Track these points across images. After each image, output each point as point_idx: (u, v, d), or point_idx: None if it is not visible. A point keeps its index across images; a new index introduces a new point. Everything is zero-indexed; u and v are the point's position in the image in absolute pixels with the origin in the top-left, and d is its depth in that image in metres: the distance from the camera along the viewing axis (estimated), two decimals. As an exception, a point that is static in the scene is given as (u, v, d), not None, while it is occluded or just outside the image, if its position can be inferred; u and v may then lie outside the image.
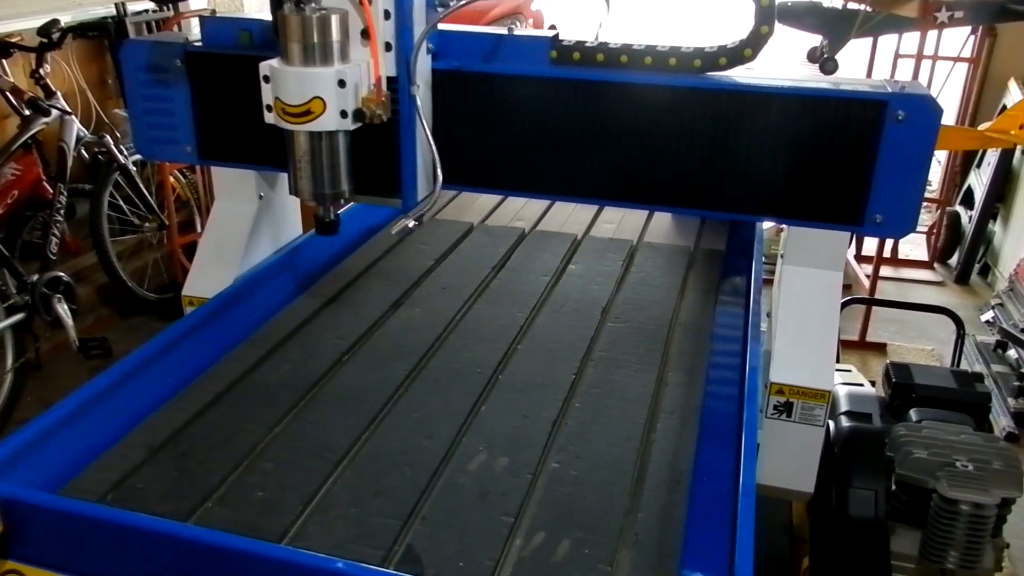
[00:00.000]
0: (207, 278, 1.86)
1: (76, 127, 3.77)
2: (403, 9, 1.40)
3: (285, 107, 1.39)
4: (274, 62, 1.40)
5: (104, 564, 1.13)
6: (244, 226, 1.92)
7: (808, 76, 1.54)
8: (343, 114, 1.40)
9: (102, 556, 1.14)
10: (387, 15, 1.40)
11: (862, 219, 1.51)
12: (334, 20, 1.36)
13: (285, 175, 2.02)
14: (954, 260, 5.32)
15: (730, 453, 1.41)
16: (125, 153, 3.96)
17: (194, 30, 1.77)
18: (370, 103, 1.41)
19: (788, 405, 1.58)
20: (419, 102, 1.47)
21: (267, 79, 1.40)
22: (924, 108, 1.43)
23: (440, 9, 1.49)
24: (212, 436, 1.41)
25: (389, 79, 1.45)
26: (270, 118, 1.44)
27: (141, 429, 1.43)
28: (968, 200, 5.34)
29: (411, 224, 1.49)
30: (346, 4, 1.39)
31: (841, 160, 1.48)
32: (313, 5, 1.34)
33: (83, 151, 3.89)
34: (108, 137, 3.91)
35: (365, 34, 1.41)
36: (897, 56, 4.60)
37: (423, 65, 1.51)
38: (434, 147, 1.48)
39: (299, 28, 1.34)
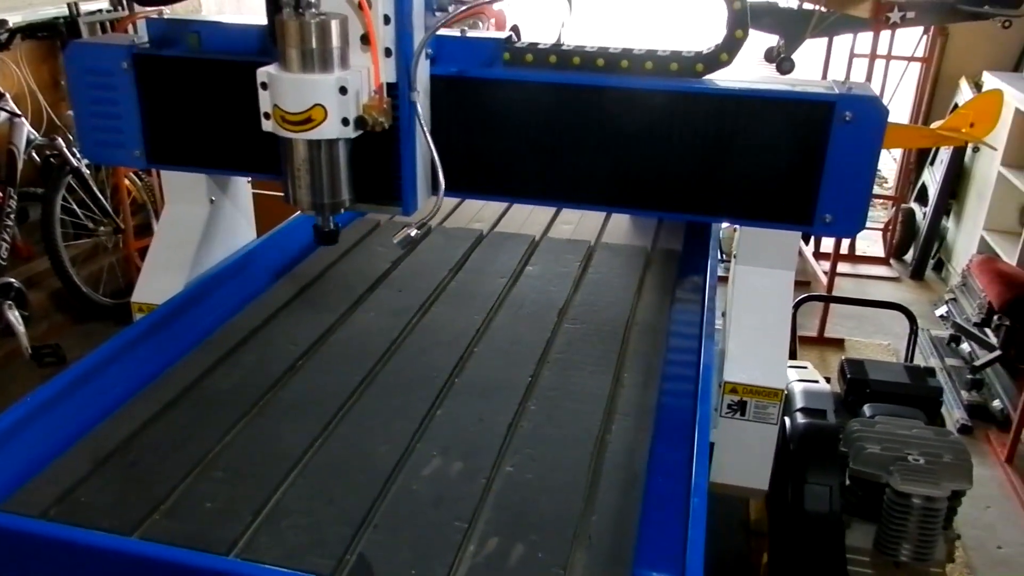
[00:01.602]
0: (157, 284, 1.83)
1: (26, 130, 3.69)
2: (403, 14, 1.37)
3: (284, 115, 1.35)
4: (272, 68, 1.35)
5: (48, 580, 1.11)
6: (195, 230, 1.89)
7: (763, 77, 1.56)
8: (344, 122, 1.36)
9: (46, 573, 1.11)
10: (387, 20, 1.37)
11: (812, 219, 1.53)
12: (334, 25, 1.32)
13: (237, 179, 2.01)
14: (909, 256, 5.43)
15: (684, 452, 1.41)
16: (78, 156, 3.88)
17: (143, 33, 1.73)
18: (372, 110, 1.37)
19: (742, 404, 1.60)
20: (419, 108, 1.44)
21: (264, 86, 1.36)
22: (870, 109, 1.45)
23: (439, 14, 1.46)
24: (161, 446, 1.38)
25: (389, 85, 1.42)
26: (268, 126, 1.39)
27: (87, 440, 1.40)
28: (922, 197, 5.45)
29: (413, 233, 1.46)
30: (345, 9, 1.35)
31: (791, 161, 1.50)
32: (312, 10, 1.30)
33: (34, 154, 3.81)
34: (60, 140, 3.84)
35: (365, 40, 1.37)
36: (852, 56, 4.68)
37: (422, 71, 1.48)
38: (435, 154, 1.45)
39: (298, 34, 1.30)
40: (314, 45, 1.31)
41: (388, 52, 1.40)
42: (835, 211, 1.51)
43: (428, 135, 1.46)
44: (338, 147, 1.41)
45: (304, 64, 1.32)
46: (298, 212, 2.29)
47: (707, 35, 1.55)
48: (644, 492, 1.32)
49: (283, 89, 1.34)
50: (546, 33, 1.64)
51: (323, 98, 1.33)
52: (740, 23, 1.45)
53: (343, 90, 1.34)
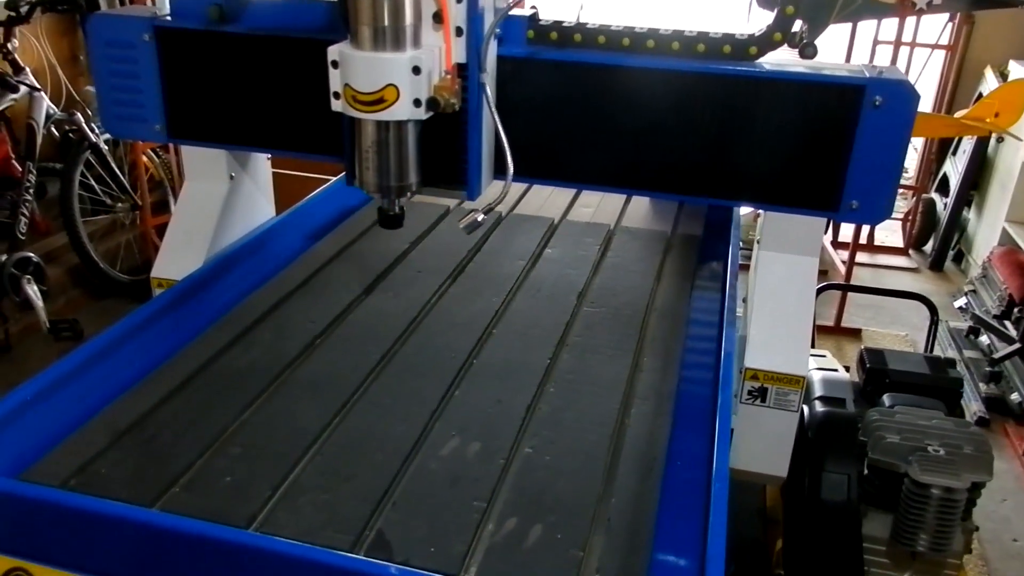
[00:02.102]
0: (176, 260, 1.83)
1: (46, 104, 3.70)
2: None
3: (356, 94, 1.32)
4: (343, 46, 1.32)
5: (67, 551, 1.11)
6: (214, 207, 1.89)
7: (788, 61, 1.53)
8: (416, 103, 1.33)
9: (66, 542, 1.11)
10: None
11: (838, 205, 1.50)
12: (407, 2, 1.29)
13: (256, 156, 2.01)
14: (929, 247, 5.37)
15: (704, 438, 1.41)
16: (96, 131, 3.89)
17: (165, 5, 1.72)
18: (443, 91, 1.34)
19: (762, 390, 1.58)
20: (488, 90, 1.42)
21: (335, 64, 1.33)
22: (901, 93, 1.43)
23: None
24: (179, 421, 1.39)
25: (459, 66, 1.39)
26: (337, 106, 1.37)
27: (106, 413, 1.40)
28: (943, 187, 5.38)
29: (480, 218, 1.45)
30: None
31: (818, 145, 1.47)
32: None
33: (53, 129, 3.82)
34: (79, 115, 3.84)
35: (437, 18, 1.34)
36: (876, 42, 4.61)
37: (491, 52, 1.45)
38: (504, 137, 1.42)
39: (372, 10, 1.27)
40: (387, 22, 1.28)
41: (459, 31, 1.37)
42: (862, 197, 1.49)
43: (497, 118, 1.42)
44: (407, 128, 1.38)
45: (376, 42, 1.29)
46: (317, 191, 2.30)
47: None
48: (663, 477, 1.31)
49: (355, 68, 1.31)
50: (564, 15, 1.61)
51: (396, 78, 1.30)
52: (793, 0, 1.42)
53: (416, 70, 1.31)
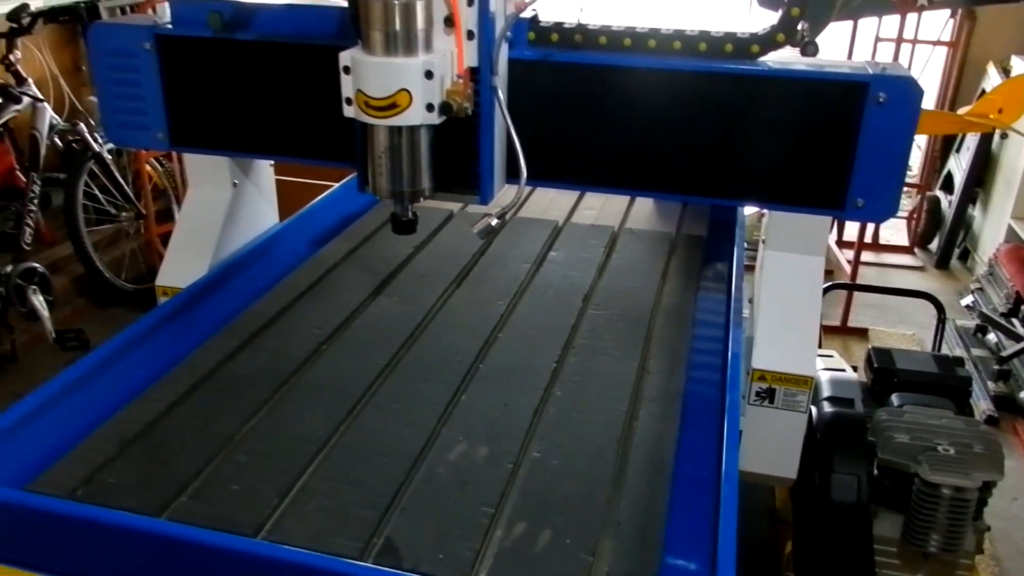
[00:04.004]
0: (181, 267, 1.83)
1: (49, 115, 3.71)
2: None
3: (368, 100, 1.31)
4: (355, 52, 1.32)
5: (76, 561, 1.11)
6: (218, 214, 1.89)
7: (789, 59, 1.52)
8: (429, 107, 1.32)
9: (74, 553, 1.11)
10: (470, 2, 1.33)
11: (843, 203, 1.50)
12: (419, 6, 1.28)
13: (259, 162, 2.01)
14: (934, 245, 5.36)
15: (712, 440, 1.40)
16: (100, 141, 3.90)
17: (166, 12, 1.72)
18: (456, 95, 1.34)
19: (770, 391, 1.57)
20: (500, 93, 1.41)
21: (347, 70, 1.32)
22: (905, 89, 1.42)
23: None
24: (186, 428, 1.38)
25: (471, 70, 1.39)
26: (350, 111, 1.36)
27: (113, 422, 1.39)
28: (948, 185, 5.37)
29: (494, 222, 1.44)
30: None
31: (822, 143, 1.46)
32: None
33: (56, 139, 3.82)
34: (82, 125, 3.85)
35: (449, 22, 1.33)
36: (877, 39, 4.60)
37: (502, 55, 1.44)
38: (517, 141, 1.40)
39: (383, 15, 1.26)
40: (399, 27, 1.27)
41: (471, 35, 1.36)
42: (867, 195, 1.48)
43: (510, 121, 1.41)
44: (420, 133, 1.37)
45: (388, 47, 1.28)
46: (320, 196, 2.30)
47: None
48: (672, 479, 1.31)
49: (368, 73, 1.30)
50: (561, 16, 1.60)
51: (409, 83, 1.29)
52: (799, 2, 1.41)
53: (429, 74, 1.30)
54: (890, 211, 1.50)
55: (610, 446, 1.36)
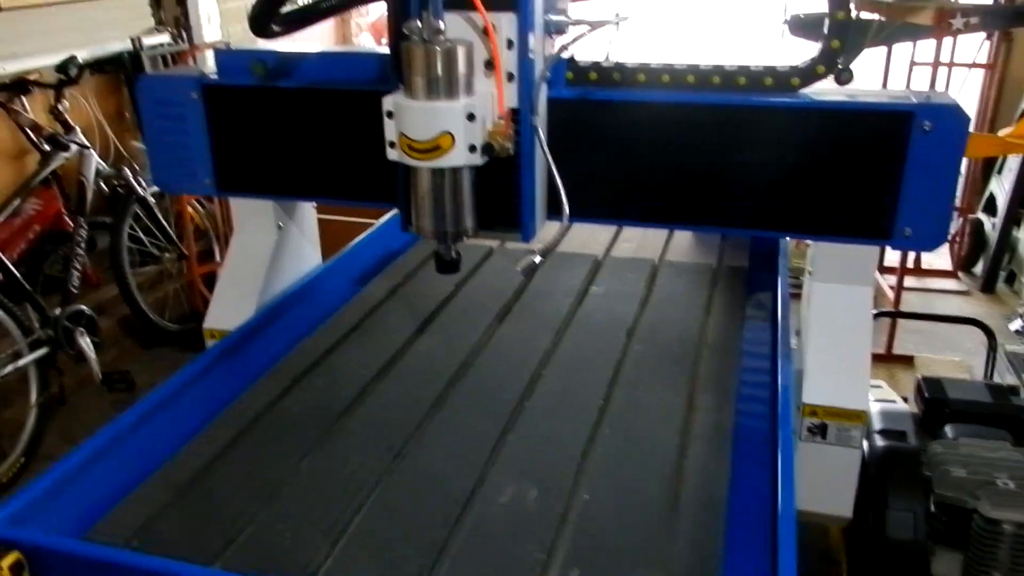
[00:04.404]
0: (228, 310, 1.85)
1: (95, 161, 3.79)
2: (525, 38, 1.36)
3: (411, 143, 1.33)
4: (397, 97, 1.34)
5: (132, 608, 1.12)
6: (264, 257, 1.91)
7: (828, 88, 1.51)
8: (471, 149, 1.34)
9: (129, 601, 1.12)
10: (510, 45, 1.36)
11: (891, 232, 1.47)
12: (460, 52, 1.30)
13: (303, 204, 2.04)
14: (979, 268, 5.24)
15: (766, 477, 1.37)
16: (143, 185, 3.98)
17: (209, 63, 1.76)
18: (498, 136, 1.35)
19: (822, 427, 1.54)
20: (541, 132, 1.43)
21: (390, 114, 1.35)
22: (951, 118, 1.40)
23: (556, 36, 1.45)
24: (237, 473, 1.39)
25: (511, 110, 1.41)
26: (393, 155, 1.38)
27: (165, 468, 1.41)
28: (991, 207, 5.27)
29: (537, 260, 1.45)
30: (469, 34, 1.34)
31: (868, 173, 1.45)
32: (440, 37, 1.29)
33: (102, 184, 3.91)
34: (127, 169, 3.94)
35: (489, 65, 1.36)
36: (912, 64, 4.56)
37: (541, 94, 1.46)
38: (559, 178, 1.42)
39: (425, 61, 1.29)
40: (441, 72, 1.29)
41: (510, 77, 1.38)
42: (915, 224, 1.46)
43: (551, 159, 1.42)
44: (463, 174, 1.39)
45: (430, 91, 1.30)
46: (361, 236, 2.32)
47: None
48: (727, 519, 1.28)
49: (410, 117, 1.32)
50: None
51: (451, 125, 1.31)
52: (839, 33, 1.40)
53: (471, 117, 1.32)
54: (940, 239, 1.47)
55: (661, 486, 1.34)
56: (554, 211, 1.55)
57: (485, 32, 1.33)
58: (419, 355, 1.79)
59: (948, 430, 2.12)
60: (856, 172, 1.45)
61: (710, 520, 1.27)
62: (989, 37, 4.93)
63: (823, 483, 1.57)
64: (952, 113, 1.41)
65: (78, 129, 3.76)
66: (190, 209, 4.30)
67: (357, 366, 1.73)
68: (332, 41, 6.17)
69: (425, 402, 1.59)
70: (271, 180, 1.76)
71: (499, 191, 1.47)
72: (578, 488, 1.35)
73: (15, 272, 3.36)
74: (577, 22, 1.48)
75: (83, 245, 3.69)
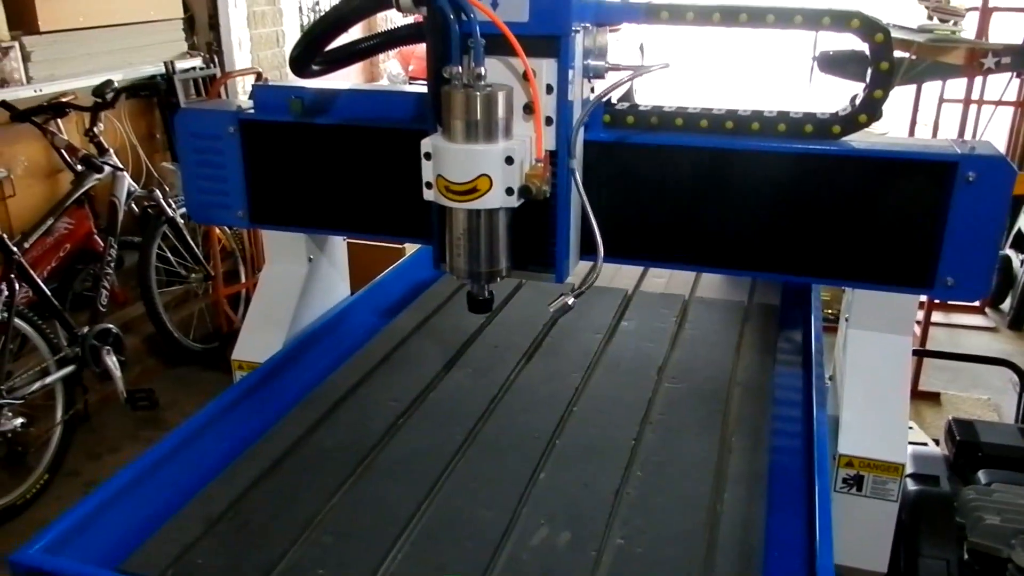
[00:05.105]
0: (258, 342, 1.86)
1: (127, 182, 3.85)
2: (564, 83, 1.37)
3: (449, 184, 1.34)
4: (435, 138, 1.36)
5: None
6: (294, 288, 1.93)
7: (864, 134, 1.51)
8: (508, 191, 1.35)
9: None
10: (549, 89, 1.37)
11: (932, 282, 1.46)
12: (501, 97, 1.31)
13: (334, 237, 2.05)
14: (1006, 305, 5.19)
15: (802, 527, 1.36)
16: (173, 206, 4.03)
17: (239, 89, 1.79)
18: (535, 179, 1.36)
19: (859, 478, 1.52)
20: (577, 175, 1.43)
21: (428, 156, 1.36)
22: (997, 169, 1.39)
23: (595, 81, 1.46)
24: (270, 506, 1.39)
25: (549, 153, 1.42)
26: (429, 195, 1.39)
27: (198, 500, 1.41)
28: (1018, 244, 5.22)
29: (570, 301, 1.45)
30: (509, 79, 1.36)
31: (910, 222, 1.44)
32: (481, 82, 1.30)
33: (133, 205, 3.96)
34: (157, 191, 3.99)
35: (528, 109, 1.37)
36: (941, 101, 4.54)
37: (579, 138, 1.47)
38: (594, 220, 1.41)
39: (466, 106, 1.30)
40: (480, 117, 1.30)
41: (549, 121, 1.39)
42: (958, 274, 1.45)
43: (587, 202, 1.42)
44: (499, 216, 1.39)
45: (469, 135, 1.31)
46: (390, 268, 2.33)
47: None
48: (763, 568, 1.26)
49: (449, 159, 1.33)
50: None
51: (489, 168, 1.32)
52: (882, 83, 1.40)
53: (509, 160, 1.33)
54: (983, 290, 1.45)
55: (696, 532, 1.33)
56: (587, 251, 1.55)
57: (525, 77, 1.34)
58: (449, 390, 1.79)
59: (981, 475, 2.09)
60: (898, 221, 1.44)
61: (746, 569, 1.26)
62: (1019, 76, 4.91)
63: (857, 536, 1.54)
64: (998, 164, 1.40)
65: (112, 151, 3.82)
66: (218, 231, 4.34)
67: (387, 400, 1.73)
68: (360, 67, 6.25)
69: (456, 439, 1.58)
70: (304, 213, 1.77)
71: (533, 231, 1.47)
72: (611, 531, 1.34)
73: (45, 290, 3.40)
74: (616, 67, 1.49)
75: (112, 264, 3.74)
